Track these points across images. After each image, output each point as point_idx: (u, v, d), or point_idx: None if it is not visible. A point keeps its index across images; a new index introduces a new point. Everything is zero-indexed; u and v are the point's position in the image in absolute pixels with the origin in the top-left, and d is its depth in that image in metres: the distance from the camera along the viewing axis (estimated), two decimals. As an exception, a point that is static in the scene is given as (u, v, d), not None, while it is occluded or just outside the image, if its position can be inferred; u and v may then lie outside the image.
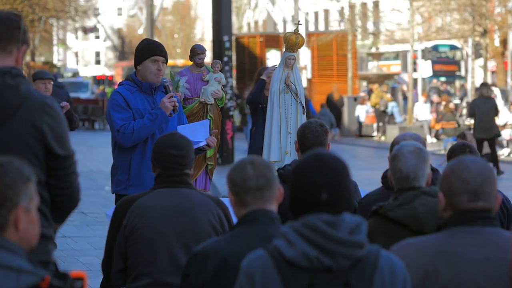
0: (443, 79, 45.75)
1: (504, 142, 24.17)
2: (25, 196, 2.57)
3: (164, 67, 6.39)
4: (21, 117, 3.70)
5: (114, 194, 6.43)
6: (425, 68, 45.85)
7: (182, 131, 6.32)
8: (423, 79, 45.14)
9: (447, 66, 46.59)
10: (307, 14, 53.13)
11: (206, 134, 6.82)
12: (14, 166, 2.58)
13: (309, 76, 35.55)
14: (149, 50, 6.33)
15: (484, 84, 20.00)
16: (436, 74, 46.26)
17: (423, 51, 43.55)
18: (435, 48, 46.67)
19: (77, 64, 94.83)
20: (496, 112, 18.89)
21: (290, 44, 10.08)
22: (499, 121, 21.83)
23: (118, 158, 6.32)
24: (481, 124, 18.57)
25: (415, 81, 42.65)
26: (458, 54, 45.38)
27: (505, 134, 23.72)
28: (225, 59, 20.23)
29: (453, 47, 45.27)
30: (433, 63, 46.36)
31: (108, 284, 4.68)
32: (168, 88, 6.51)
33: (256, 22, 67.75)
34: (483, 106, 18.54)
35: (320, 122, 5.59)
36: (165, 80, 6.52)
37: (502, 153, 23.47)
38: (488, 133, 18.64)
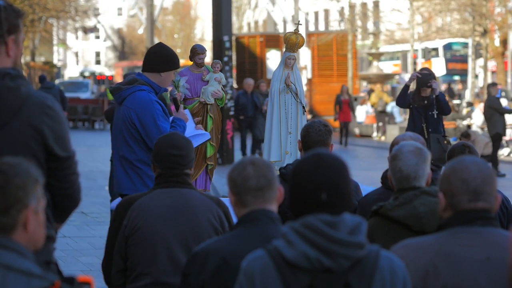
0: (456, 77, 45.65)
1: (504, 142, 24.22)
2: (34, 198, 2.57)
3: None
4: (21, 119, 3.68)
5: None
6: (439, 67, 45.78)
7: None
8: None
9: (460, 64, 46.48)
10: (307, 14, 53.15)
11: (192, 123, 6.93)
12: (23, 167, 2.58)
13: (309, 76, 35.54)
14: (176, 62, 6.40)
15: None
16: (449, 73, 46.17)
17: (423, 50, 43.54)
18: (449, 46, 46.59)
19: (77, 64, 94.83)
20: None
21: (290, 44, 10.10)
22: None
23: (145, 163, 6.20)
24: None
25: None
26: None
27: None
28: (225, 59, 20.23)
29: (466, 45, 45.22)
30: (447, 61, 46.28)
31: (108, 284, 4.68)
32: (177, 100, 6.64)
33: (256, 22, 67.77)
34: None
35: (324, 122, 5.60)
36: (175, 92, 6.65)
37: (502, 153, 23.49)
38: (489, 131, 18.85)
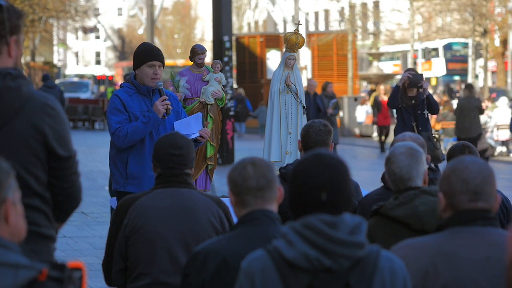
0: (457, 77, 45.66)
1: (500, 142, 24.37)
2: (10, 190, 2.59)
3: (161, 71, 6.53)
4: (23, 119, 3.68)
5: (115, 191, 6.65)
6: (439, 67, 45.78)
7: (177, 125, 6.55)
8: (437, 78, 45.09)
9: (460, 64, 46.51)
10: (307, 14, 53.17)
11: (199, 126, 6.95)
12: None
13: (309, 76, 35.55)
14: (145, 55, 6.49)
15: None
16: (449, 73, 46.19)
17: (423, 50, 43.62)
18: (449, 46, 46.62)
19: (77, 64, 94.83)
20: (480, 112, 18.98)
21: (290, 44, 10.11)
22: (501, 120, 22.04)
23: (115, 157, 6.49)
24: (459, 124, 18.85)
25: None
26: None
27: (503, 135, 23.94)
28: (225, 59, 20.23)
29: (466, 45, 45.21)
30: (447, 61, 46.31)
31: (109, 284, 4.69)
32: (162, 91, 6.64)
33: (256, 22, 67.80)
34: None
35: (324, 122, 5.62)
36: (159, 84, 6.62)
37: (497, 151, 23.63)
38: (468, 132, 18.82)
